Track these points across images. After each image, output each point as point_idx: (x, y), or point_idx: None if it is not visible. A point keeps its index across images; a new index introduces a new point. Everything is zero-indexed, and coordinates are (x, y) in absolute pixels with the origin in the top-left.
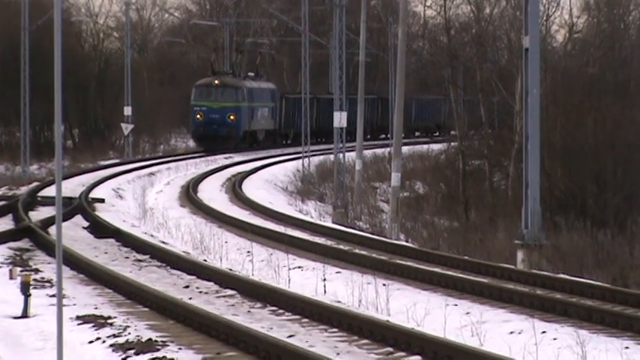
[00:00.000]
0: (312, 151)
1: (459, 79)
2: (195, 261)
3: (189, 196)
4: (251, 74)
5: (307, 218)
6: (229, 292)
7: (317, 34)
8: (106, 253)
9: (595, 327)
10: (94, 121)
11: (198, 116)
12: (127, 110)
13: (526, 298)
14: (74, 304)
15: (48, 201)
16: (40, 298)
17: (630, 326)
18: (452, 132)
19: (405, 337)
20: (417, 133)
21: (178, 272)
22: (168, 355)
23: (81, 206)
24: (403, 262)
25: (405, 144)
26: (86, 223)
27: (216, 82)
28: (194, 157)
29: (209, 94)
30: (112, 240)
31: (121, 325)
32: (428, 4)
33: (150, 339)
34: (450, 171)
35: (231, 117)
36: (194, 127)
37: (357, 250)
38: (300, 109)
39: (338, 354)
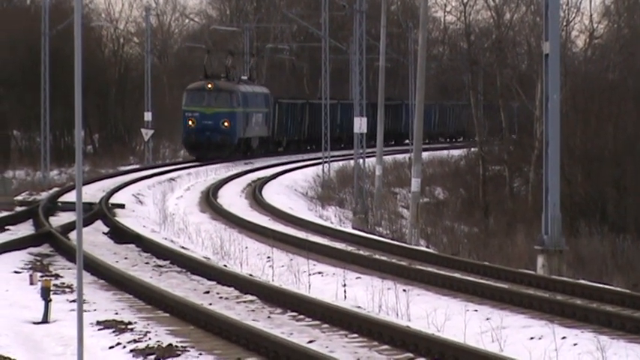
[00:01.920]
0: (333, 156)
1: (479, 84)
2: (215, 266)
3: (209, 201)
4: (244, 77)
5: (327, 224)
6: (249, 297)
7: (337, 39)
8: (126, 258)
9: (615, 333)
10: (114, 127)
11: (190, 122)
12: (147, 116)
13: (546, 304)
14: (94, 310)
15: (68, 206)
16: (60, 303)
17: None
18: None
19: (425, 342)
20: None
21: (199, 278)
22: None
23: (101, 212)
24: (423, 268)
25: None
26: (106, 229)
27: (210, 86)
28: (214, 163)
29: (202, 99)
30: (132, 245)
31: (141, 331)
32: (448, 9)
33: (170, 344)
34: (470, 176)
35: (225, 123)
36: (185, 134)
37: (377, 256)
38: (294, 115)
39: (358, 359)
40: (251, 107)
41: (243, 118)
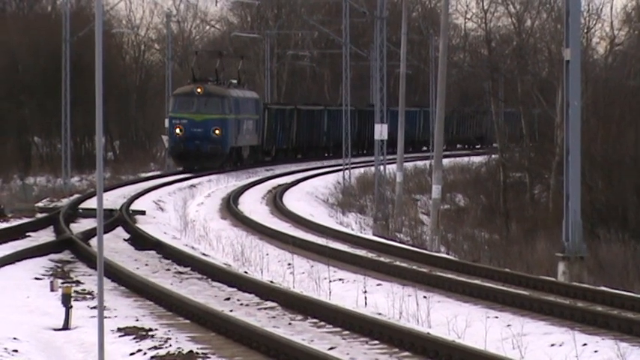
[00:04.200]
0: (353, 163)
1: (499, 91)
2: (236, 273)
3: (230, 208)
4: (234, 81)
5: (348, 230)
6: (270, 304)
7: (358, 46)
8: (147, 265)
9: (636, 340)
10: (134, 133)
11: (177, 130)
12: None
13: (567, 311)
14: (115, 316)
15: (89, 213)
16: (81, 309)
17: None
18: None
19: (446, 349)
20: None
21: (219, 284)
22: None
23: (122, 218)
24: (444, 275)
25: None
26: (127, 235)
27: (199, 90)
28: (235, 170)
29: (190, 105)
30: (152, 252)
31: (162, 337)
32: (469, 16)
33: (191, 351)
34: (490, 183)
35: (217, 131)
36: (173, 143)
37: (397, 263)
38: (283, 122)
39: None
40: (242, 113)
41: (235, 125)
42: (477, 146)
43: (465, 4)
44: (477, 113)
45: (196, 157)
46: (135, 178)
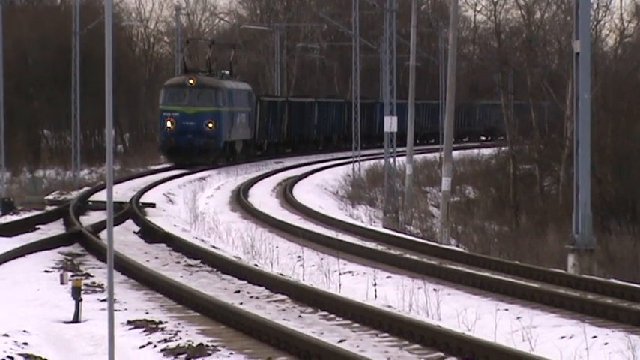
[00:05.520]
0: (363, 156)
1: (509, 83)
2: (246, 266)
3: (239, 200)
4: (226, 72)
5: (358, 223)
6: (280, 296)
7: (367, 38)
8: (156, 257)
9: None
10: (144, 126)
11: (168, 124)
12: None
13: (577, 303)
14: (125, 309)
15: (99, 206)
16: (91, 302)
17: None
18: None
19: (456, 341)
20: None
21: (229, 277)
22: None
23: (132, 211)
24: (454, 267)
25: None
26: (137, 228)
27: (191, 81)
28: (244, 162)
29: (182, 97)
30: (162, 245)
31: (172, 330)
32: (478, 8)
33: (201, 344)
34: (500, 176)
35: (210, 125)
36: (164, 137)
37: (407, 255)
38: (275, 115)
39: (389, 359)
40: (236, 106)
41: (229, 118)
42: (465, 139)
43: None
44: (472, 105)
45: (188, 152)
46: (144, 171)
